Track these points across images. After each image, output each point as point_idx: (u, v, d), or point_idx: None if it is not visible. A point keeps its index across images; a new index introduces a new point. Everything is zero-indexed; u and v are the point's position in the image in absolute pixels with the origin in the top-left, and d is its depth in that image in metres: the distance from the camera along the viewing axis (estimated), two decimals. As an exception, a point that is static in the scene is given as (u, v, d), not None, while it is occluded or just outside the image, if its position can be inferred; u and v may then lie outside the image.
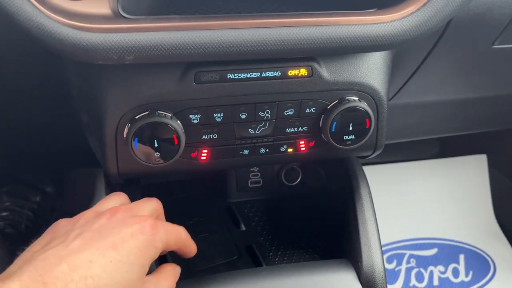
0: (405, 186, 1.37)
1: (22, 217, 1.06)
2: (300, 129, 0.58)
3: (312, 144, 0.60)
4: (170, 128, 0.53)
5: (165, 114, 0.53)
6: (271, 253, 0.73)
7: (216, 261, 0.71)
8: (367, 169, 1.29)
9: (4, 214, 1.02)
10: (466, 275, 1.27)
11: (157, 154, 0.54)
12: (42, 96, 0.68)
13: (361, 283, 0.60)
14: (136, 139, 0.53)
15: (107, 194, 0.64)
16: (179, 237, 0.51)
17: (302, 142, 0.60)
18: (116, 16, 0.47)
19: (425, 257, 1.30)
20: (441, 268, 1.28)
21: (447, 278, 1.26)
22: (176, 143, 0.54)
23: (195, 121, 0.55)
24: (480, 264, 1.29)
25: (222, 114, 0.55)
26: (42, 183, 1.12)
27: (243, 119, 0.56)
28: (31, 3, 0.45)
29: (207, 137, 0.56)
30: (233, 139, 0.57)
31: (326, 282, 0.60)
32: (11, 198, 1.04)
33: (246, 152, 0.59)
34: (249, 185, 0.81)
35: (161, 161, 0.54)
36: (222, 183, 0.82)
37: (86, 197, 1.12)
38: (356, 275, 0.61)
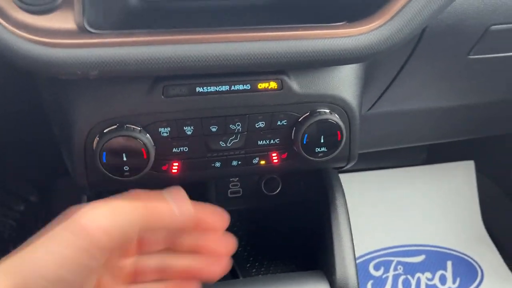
0: (392, 192, 1.37)
1: (5, 227, 1.06)
2: (272, 141, 0.58)
3: (284, 156, 0.60)
4: (139, 142, 0.53)
5: (133, 128, 0.53)
6: (248, 264, 0.73)
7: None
8: (352, 176, 1.29)
9: (-14, 223, 1.01)
10: (454, 282, 1.27)
11: (126, 168, 0.54)
12: (23, 104, 0.68)
13: (335, 296, 0.60)
14: (105, 153, 0.52)
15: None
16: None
17: (275, 154, 0.59)
18: (81, 31, 0.47)
19: (413, 264, 1.29)
20: (429, 275, 1.28)
21: (434, 285, 1.26)
22: (145, 156, 0.54)
23: (164, 134, 0.55)
24: (468, 271, 1.29)
25: (192, 127, 0.55)
26: (26, 191, 1.11)
27: (214, 132, 0.56)
28: (-6, 19, 0.44)
29: (178, 150, 0.56)
30: (204, 152, 0.57)
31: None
32: (-7, 207, 1.04)
33: (218, 164, 0.58)
34: (228, 194, 0.81)
35: (130, 174, 0.54)
36: (201, 192, 0.81)
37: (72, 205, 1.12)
38: (330, 287, 0.61)
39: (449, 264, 1.31)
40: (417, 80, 0.76)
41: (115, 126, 0.52)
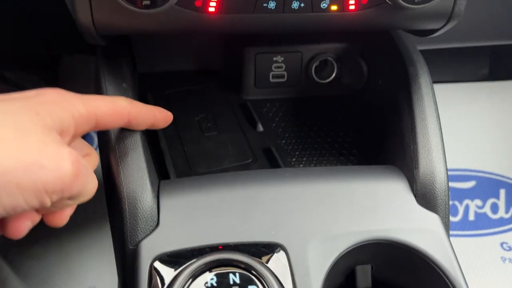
0: (447, 110, 1.20)
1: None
2: (351, -26, 0.41)
3: (365, 0, 0.43)
4: (164, -47, 0.36)
5: None
6: (294, 159, 0.58)
7: (224, 163, 0.56)
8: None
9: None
10: (507, 212, 1.12)
11: (145, -6, 0.37)
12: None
13: (415, 195, 0.45)
14: (115, -35, 0.36)
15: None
16: None
17: (352, -4, 0.42)
18: None
19: (462, 190, 1.15)
20: (479, 202, 1.14)
21: (484, 214, 1.12)
22: (172, -23, 0.37)
23: None
24: (523, 201, 1.14)
25: None
26: (30, 81, 0.98)
27: None
28: None
29: (218, -25, 0.39)
30: (255, -18, 0.40)
31: (366, 189, 0.45)
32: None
33: (272, 5, 0.42)
34: (270, 79, 0.65)
35: (152, 4, 0.38)
36: (237, 75, 0.66)
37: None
38: (409, 184, 0.46)
39: (502, 192, 1.16)
40: None
41: None
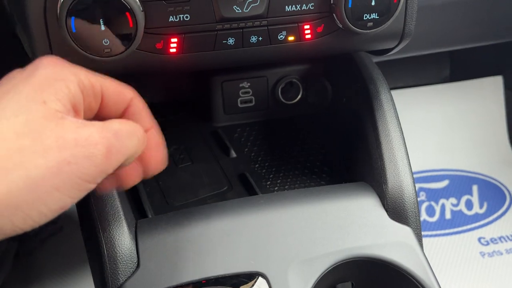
0: (414, 113, 1.23)
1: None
2: (304, 6, 0.43)
3: (320, 29, 0.45)
4: (122, 3, 0.37)
5: (112, -19, 0.37)
6: (268, 182, 0.59)
7: (200, 194, 0.57)
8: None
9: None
10: (481, 207, 1.16)
11: (105, 42, 0.38)
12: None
13: (386, 210, 0.47)
14: (73, 18, 0.37)
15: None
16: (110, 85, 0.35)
17: (307, 26, 0.44)
18: None
19: (436, 190, 1.18)
20: (453, 200, 1.17)
21: (460, 211, 1.15)
22: (131, 24, 0.38)
23: (157, -6, 0.39)
24: (495, 195, 1.18)
25: (195, -17, 0.39)
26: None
27: (225, -10, 0.40)
28: None
29: (176, 18, 0.41)
30: (213, 21, 0.42)
31: (339, 208, 0.46)
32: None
33: (231, 41, 0.43)
34: (239, 105, 0.66)
35: (113, 52, 0.39)
36: (206, 104, 0.67)
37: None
38: (379, 200, 0.48)
39: (474, 188, 1.20)
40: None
41: (86, -23, 0.36)
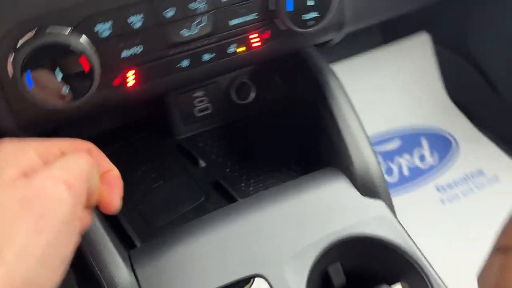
0: (353, 83, 1.29)
1: None
2: (247, 17, 0.45)
3: (266, 35, 0.47)
4: (74, 48, 0.37)
5: (60, 30, 0.37)
6: (242, 184, 0.61)
7: (180, 209, 0.58)
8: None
9: None
10: (431, 156, 1.25)
11: (65, 91, 0.39)
12: None
13: (358, 189, 0.51)
14: (29, 72, 0.37)
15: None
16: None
17: (255, 35, 0.46)
18: None
19: (391, 151, 1.25)
20: (407, 156, 1.25)
21: (417, 167, 1.23)
22: (87, 68, 0.38)
23: (106, 33, 0.40)
24: (442, 142, 1.27)
25: (141, 16, 0.40)
26: None
27: (171, 17, 0.41)
28: None
29: (129, 53, 0.41)
30: (165, 49, 0.43)
31: (316, 197, 0.50)
32: None
33: (185, 63, 0.45)
34: (196, 114, 0.68)
35: (74, 97, 0.39)
36: (164, 119, 0.68)
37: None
38: (349, 181, 0.51)
39: (423, 140, 1.28)
40: None
41: (34, 31, 0.36)
